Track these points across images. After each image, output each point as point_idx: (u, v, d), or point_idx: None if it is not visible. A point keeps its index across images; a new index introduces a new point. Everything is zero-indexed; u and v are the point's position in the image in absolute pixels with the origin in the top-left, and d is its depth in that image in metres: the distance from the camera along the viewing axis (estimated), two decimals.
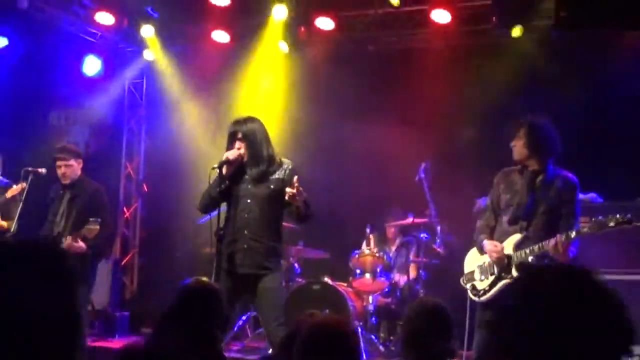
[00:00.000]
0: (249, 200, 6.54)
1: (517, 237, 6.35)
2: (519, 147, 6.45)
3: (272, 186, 6.59)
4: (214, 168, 6.50)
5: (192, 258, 10.68)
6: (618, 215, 5.94)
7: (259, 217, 6.54)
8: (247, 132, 6.57)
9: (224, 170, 6.51)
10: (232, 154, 6.53)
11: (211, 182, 6.55)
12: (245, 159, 6.59)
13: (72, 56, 11.33)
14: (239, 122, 6.65)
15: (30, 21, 10.28)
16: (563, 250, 6.05)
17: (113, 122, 12.19)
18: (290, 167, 6.67)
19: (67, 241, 7.68)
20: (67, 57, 11.26)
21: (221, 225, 6.55)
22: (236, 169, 6.60)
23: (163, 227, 11.66)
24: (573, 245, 6.15)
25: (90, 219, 7.60)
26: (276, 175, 6.62)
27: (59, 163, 8.04)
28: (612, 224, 5.94)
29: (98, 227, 7.58)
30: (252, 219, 6.53)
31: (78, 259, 7.67)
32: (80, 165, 8.18)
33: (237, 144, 6.57)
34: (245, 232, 6.51)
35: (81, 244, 7.68)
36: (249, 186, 6.58)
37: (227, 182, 6.53)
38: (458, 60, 10.31)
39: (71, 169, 8.05)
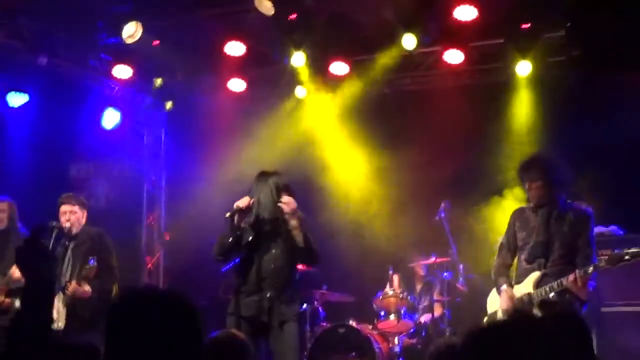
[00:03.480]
0: (273, 251, 6.62)
1: (536, 275, 6.37)
2: (536, 190, 6.44)
3: (288, 234, 6.66)
4: (226, 217, 6.57)
5: (218, 306, 10.67)
6: (634, 249, 5.97)
7: (283, 266, 6.61)
8: (271, 183, 6.67)
9: (236, 219, 6.58)
10: (242, 202, 6.62)
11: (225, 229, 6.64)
12: (259, 207, 6.64)
13: (91, 109, 11.46)
14: (265, 173, 6.76)
15: (49, 77, 10.46)
16: (582, 285, 6.08)
17: (133, 173, 12.27)
18: (300, 215, 6.73)
19: (71, 286, 7.77)
20: (87, 110, 11.37)
21: (240, 272, 6.64)
22: (255, 218, 6.66)
23: (187, 276, 11.67)
24: (592, 279, 6.18)
25: (90, 259, 7.73)
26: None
27: (63, 208, 8.17)
28: (628, 257, 5.97)
29: (95, 264, 7.69)
30: (277, 269, 6.60)
31: (85, 305, 7.80)
32: (85, 215, 8.30)
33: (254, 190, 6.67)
34: (271, 281, 6.57)
35: (86, 287, 7.79)
36: (271, 236, 6.64)
37: (239, 230, 6.60)
38: (472, 99, 10.38)
39: (76, 215, 8.17)
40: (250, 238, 6.67)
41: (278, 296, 6.57)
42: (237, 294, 6.70)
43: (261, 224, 6.73)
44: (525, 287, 6.39)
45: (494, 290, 6.74)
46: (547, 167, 6.45)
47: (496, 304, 6.62)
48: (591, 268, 6.07)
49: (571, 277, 6.08)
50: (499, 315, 6.55)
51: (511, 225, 6.73)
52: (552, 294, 6.22)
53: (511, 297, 6.41)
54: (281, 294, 6.60)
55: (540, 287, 6.30)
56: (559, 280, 6.17)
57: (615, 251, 6.05)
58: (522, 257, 6.53)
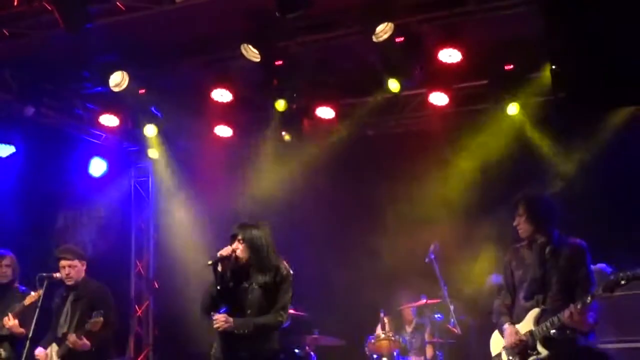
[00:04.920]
0: (253, 310, 6.54)
1: (536, 311, 6.37)
2: (522, 225, 6.52)
3: (277, 293, 6.59)
4: (208, 265, 6.48)
5: (208, 353, 10.62)
6: (629, 272, 5.97)
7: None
8: (250, 237, 6.56)
9: (219, 268, 6.47)
10: (225, 251, 6.50)
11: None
12: (243, 260, 6.55)
13: (78, 158, 11.53)
14: (243, 226, 6.66)
15: (36, 127, 10.50)
16: (580, 319, 6.07)
17: (121, 220, 12.29)
18: (284, 272, 6.65)
19: (71, 338, 7.71)
20: (74, 159, 11.45)
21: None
22: (239, 271, 6.57)
23: (176, 323, 11.62)
24: (592, 311, 6.16)
25: (94, 313, 7.68)
26: (279, 282, 6.62)
27: (62, 263, 8.09)
28: (623, 281, 5.97)
29: (102, 319, 7.65)
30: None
31: (81, 357, 7.77)
32: (84, 267, 8.23)
33: (235, 244, 6.57)
34: (249, 340, 6.48)
35: (85, 341, 7.73)
36: (255, 295, 6.54)
37: (226, 280, 6.50)
38: (457, 139, 10.48)
39: (75, 269, 8.11)
40: (233, 291, 6.58)
41: (254, 355, 6.51)
42: (219, 343, 6.64)
43: (245, 278, 6.65)
44: (527, 325, 6.39)
45: (496, 332, 6.73)
46: (531, 202, 6.53)
47: (499, 345, 6.61)
48: (589, 298, 6.07)
49: (566, 312, 6.08)
50: (503, 356, 6.53)
51: (507, 264, 6.74)
52: (552, 330, 6.22)
53: (515, 333, 6.41)
54: (258, 353, 6.54)
55: (540, 324, 6.30)
56: (558, 315, 6.18)
57: (611, 278, 6.05)
58: (520, 295, 6.53)
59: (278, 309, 6.59)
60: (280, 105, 10.28)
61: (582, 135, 9.55)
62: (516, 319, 6.52)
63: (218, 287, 6.46)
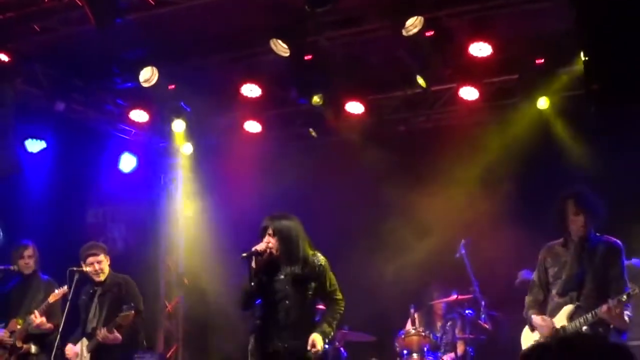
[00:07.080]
0: (287, 302, 6.51)
1: (569, 308, 6.34)
2: (580, 223, 6.42)
3: (308, 285, 6.57)
4: (242, 257, 6.46)
5: (238, 349, 10.63)
6: None
7: (298, 318, 6.51)
8: (280, 228, 6.55)
9: (254, 263, 6.46)
10: (260, 247, 6.49)
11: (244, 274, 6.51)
12: (276, 253, 6.54)
13: (108, 154, 11.57)
14: (272, 218, 6.65)
15: (66, 123, 10.56)
16: (617, 314, 6.04)
17: (151, 216, 12.31)
18: (321, 264, 6.64)
19: (101, 333, 7.78)
20: (103, 155, 11.49)
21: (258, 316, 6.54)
22: (269, 264, 6.55)
23: (206, 319, 11.66)
24: (627, 309, 6.13)
25: (124, 306, 7.76)
26: (311, 275, 6.60)
27: (90, 260, 8.17)
28: None
29: (133, 312, 7.73)
30: (292, 320, 6.49)
31: (112, 351, 7.88)
32: (108, 261, 8.32)
33: (267, 238, 6.56)
34: (285, 333, 6.47)
35: (116, 334, 7.81)
36: (286, 287, 6.53)
37: (259, 274, 6.48)
38: (488, 134, 10.37)
39: (101, 264, 8.20)
40: (265, 284, 6.57)
41: (292, 347, 6.48)
42: (255, 337, 6.61)
43: (276, 270, 6.63)
44: (559, 321, 6.36)
45: (526, 327, 6.70)
46: (585, 200, 6.46)
47: (530, 340, 6.57)
48: (624, 297, 6.03)
49: (604, 307, 6.06)
50: None
51: (541, 261, 6.71)
52: (585, 327, 6.18)
53: (550, 325, 6.37)
54: (296, 344, 6.51)
55: (574, 320, 6.26)
56: (592, 312, 6.15)
57: None
58: (554, 291, 6.50)
59: (332, 296, 6.67)
60: (313, 100, 10.23)
61: (616, 129, 9.41)
62: (549, 315, 6.47)
63: (252, 283, 6.46)
